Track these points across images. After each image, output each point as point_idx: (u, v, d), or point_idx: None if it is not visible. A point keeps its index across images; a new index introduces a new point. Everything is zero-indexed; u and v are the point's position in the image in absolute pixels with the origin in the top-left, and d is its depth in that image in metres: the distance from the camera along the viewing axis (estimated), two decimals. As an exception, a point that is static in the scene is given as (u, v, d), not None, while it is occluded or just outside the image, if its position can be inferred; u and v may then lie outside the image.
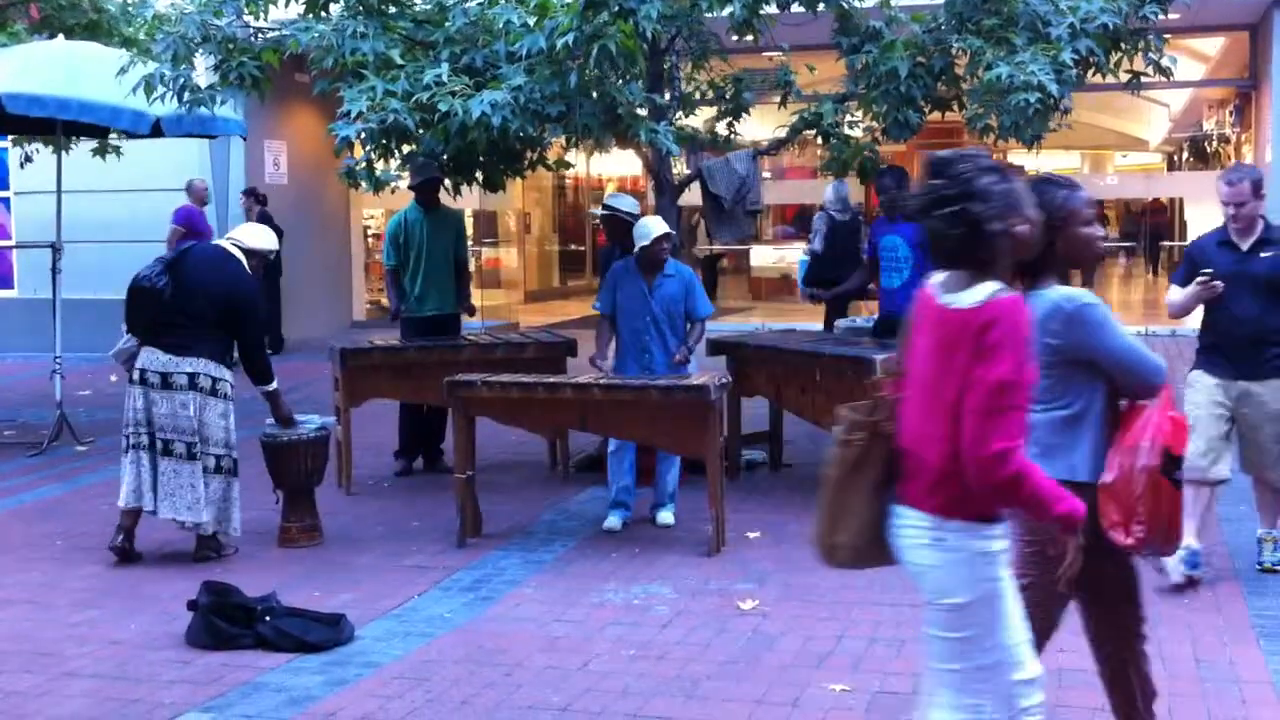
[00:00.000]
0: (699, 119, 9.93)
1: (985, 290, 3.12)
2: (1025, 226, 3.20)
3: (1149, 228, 25.68)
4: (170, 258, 6.75)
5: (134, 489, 6.68)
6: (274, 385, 7.00)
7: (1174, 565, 5.82)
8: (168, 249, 13.57)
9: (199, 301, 6.67)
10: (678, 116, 8.90)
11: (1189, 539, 5.82)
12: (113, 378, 9.99)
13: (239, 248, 6.90)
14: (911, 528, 3.26)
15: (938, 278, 3.29)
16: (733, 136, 9.40)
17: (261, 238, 7.04)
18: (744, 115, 9.21)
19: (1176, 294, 6.14)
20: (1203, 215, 19.68)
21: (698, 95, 9.32)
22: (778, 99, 9.14)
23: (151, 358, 6.68)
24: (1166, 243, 24.07)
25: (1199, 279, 5.90)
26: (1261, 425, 6.00)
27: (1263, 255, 5.89)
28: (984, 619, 3.21)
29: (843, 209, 11.68)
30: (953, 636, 3.25)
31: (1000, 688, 3.26)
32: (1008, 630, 3.24)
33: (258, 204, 14.76)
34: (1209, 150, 21.12)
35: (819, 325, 12.54)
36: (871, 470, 3.36)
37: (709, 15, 8.05)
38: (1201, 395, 6.10)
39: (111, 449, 8.62)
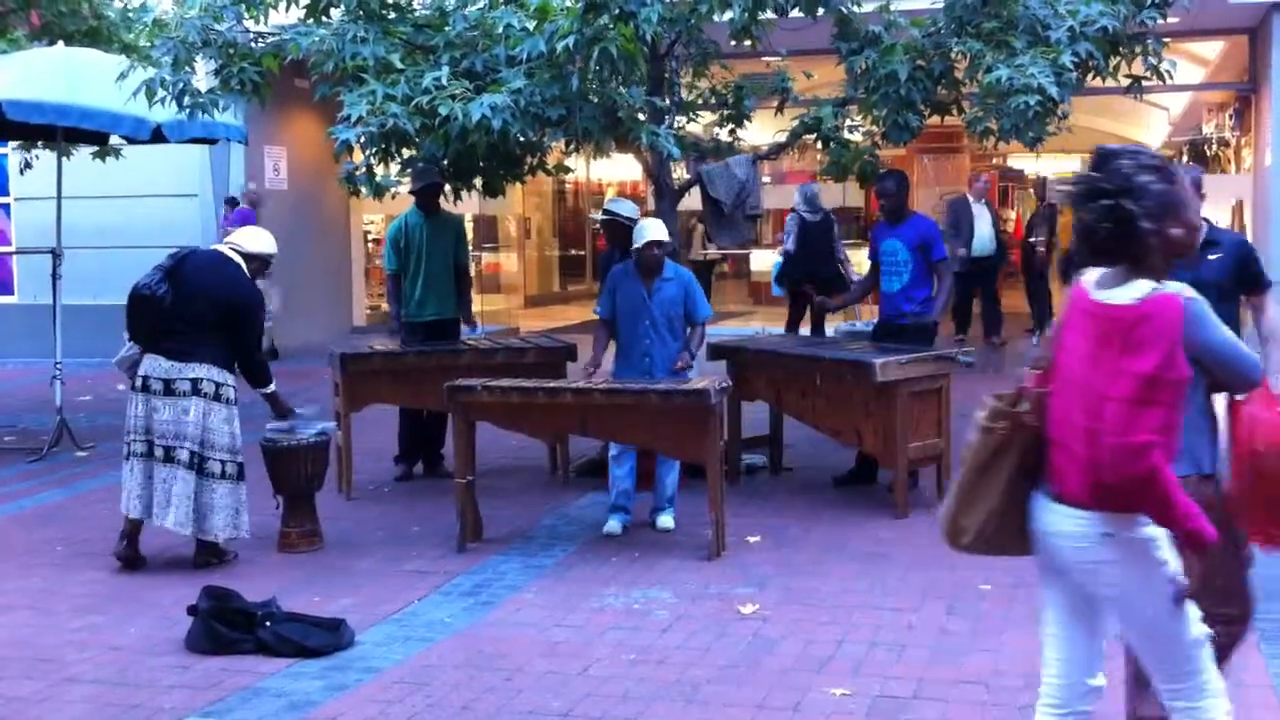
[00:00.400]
0: (699, 124, 9.94)
1: (1142, 288, 3.15)
2: (1180, 230, 3.23)
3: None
4: (169, 264, 6.75)
5: (135, 497, 6.67)
6: (272, 387, 7.01)
7: None
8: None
9: (199, 306, 6.67)
10: (679, 122, 8.91)
11: None
12: (120, 386, 9.97)
13: (238, 252, 6.90)
14: (1074, 524, 3.25)
15: (1091, 274, 3.30)
16: (735, 143, 9.40)
17: (261, 241, 7.04)
18: (745, 123, 9.21)
19: None
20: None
21: (700, 101, 9.32)
22: (776, 104, 9.14)
23: (154, 364, 6.68)
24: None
25: None
26: None
27: (1210, 258, 5.40)
28: (1165, 607, 3.21)
29: (812, 210, 12.32)
30: (1151, 628, 3.28)
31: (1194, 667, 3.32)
32: (1190, 619, 3.27)
33: (234, 210, 14.76)
34: (1209, 154, 21.12)
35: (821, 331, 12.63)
36: (1010, 459, 3.36)
37: (709, 20, 8.04)
38: None
39: (112, 454, 8.62)
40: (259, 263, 6.97)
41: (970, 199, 15.04)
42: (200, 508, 6.63)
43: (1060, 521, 3.28)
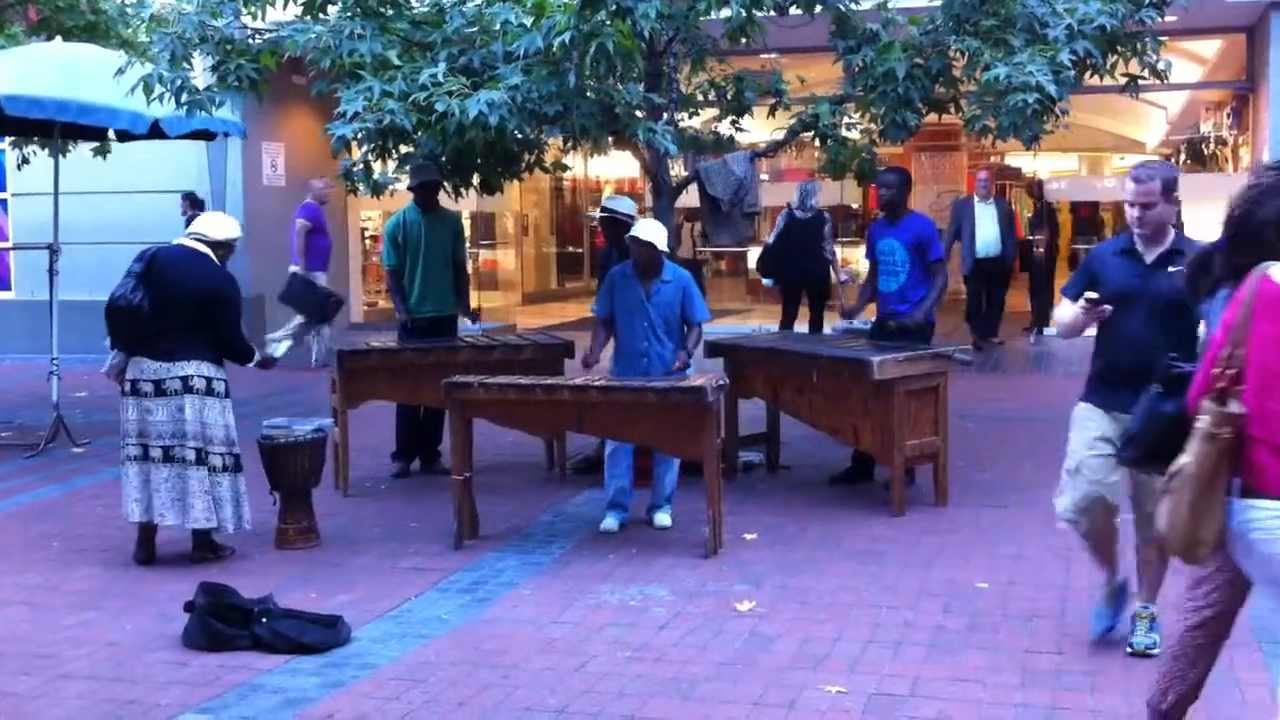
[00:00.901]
0: (699, 120, 9.93)
1: None
2: None
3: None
4: (140, 269, 6.69)
5: (134, 501, 6.66)
6: (258, 356, 7.07)
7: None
8: (299, 246, 13.78)
9: (177, 305, 6.64)
10: (680, 117, 8.90)
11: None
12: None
13: (204, 241, 6.86)
14: (1275, 518, 3.30)
15: (1275, 268, 3.34)
16: (735, 134, 9.38)
17: (226, 227, 6.98)
18: (747, 114, 9.20)
19: (1065, 310, 5.24)
20: (1199, 216, 19.77)
21: (699, 96, 9.32)
22: (770, 105, 9.14)
23: (141, 367, 6.67)
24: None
25: (1084, 299, 5.02)
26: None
27: (1170, 270, 4.94)
28: None
29: (804, 208, 12.76)
30: None
31: None
32: None
33: (194, 208, 14.76)
34: (1206, 153, 21.13)
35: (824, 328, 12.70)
36: (1230, 463, 3.39)
37: (706, 17, 8.04)
38: (1087, 433, 5.12)
39: (108, 450, 8.62)
40: (226, 249, 6.94)
41: (976, 198, 14.76)
42: (211, 502, 6.64)
43: (1262, 517, 3.32)
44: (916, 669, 5.10)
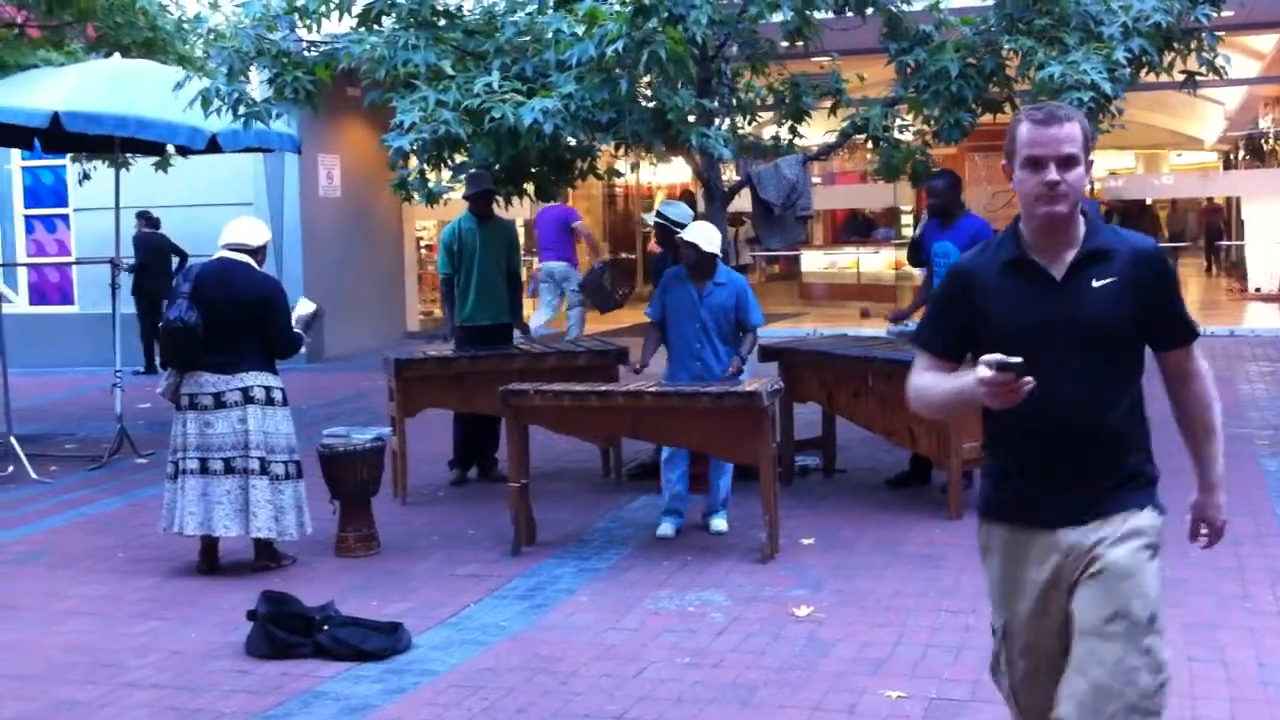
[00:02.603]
0: (755, 125, 9.91)
1: None
2: None
3: (1205, 227, 25.42)
4: (189, 289, 6.76)
5: (189, 514, 6.72)
6: (304, 339, 7.08)
7: None
8: (591, 247, 14.17)
9: (230, 319, 6.68)
10: (739, 123, 8.87)
11: None
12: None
13: (243, 250, 6.92)
14: None
15: None
16: (795, 140, 9.35)
17: (260, 232, 7.04)
18: (805, 119, 9.17)
19: (929, 381, 3.25)
20: (1260, 213, 19.53)
21: (758, 101, 9.30)
22: (829, 105, 9.12)
23: (199, 381, 6.72)
24: (1223, 242, 23.80)
25: (985, 365, 2.93)
26: (1101, 623, 3.13)
27: (1096, 285, 3.12)
28: None
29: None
30: None
31: None
32: None
33: (148, 226, 14.90)
34: (1265, 148, 20.87)
35: (872, 330, 12.57)
36: None
37: (759, 22, 8.03)
38: (1006, 571, 3.34)
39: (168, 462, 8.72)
40: (263, 253, 7.00)
41: None
42: (274, 511, 6.71)
43: None
44: (977, 673, 5.06)
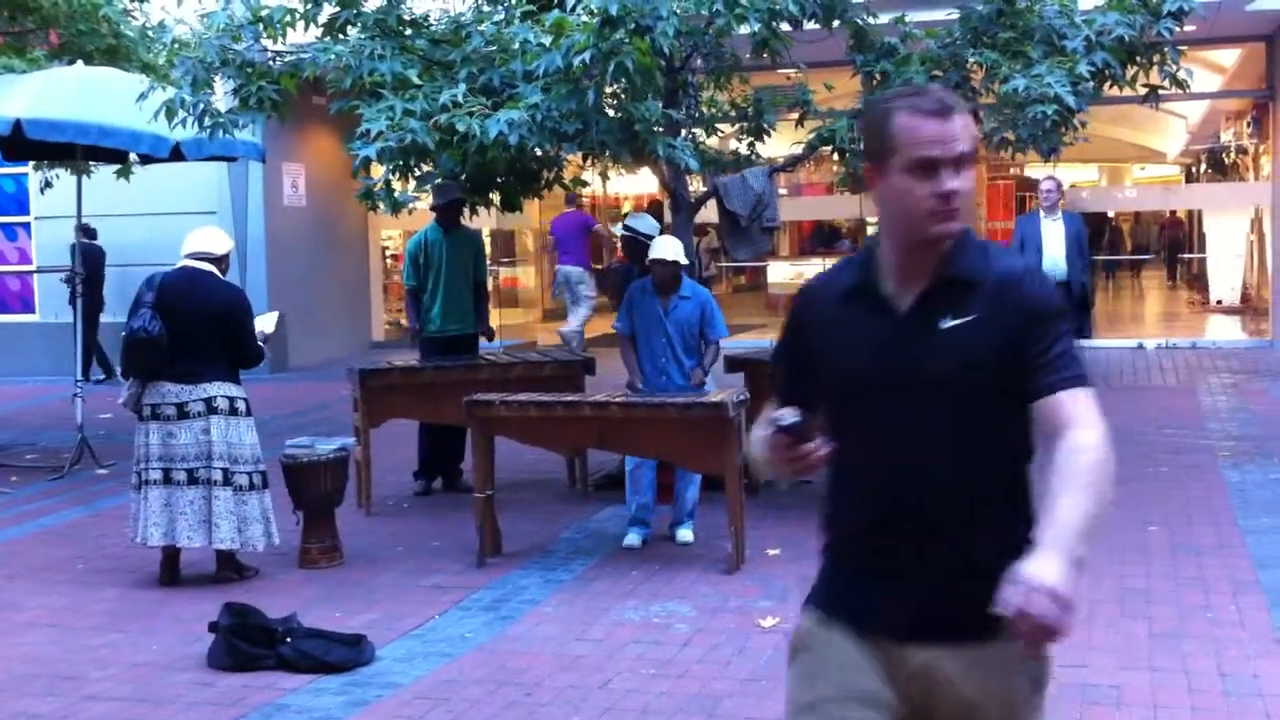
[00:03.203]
0: (717, 139, 9.93)
1: None
2: None
3: (1167, 240, 25.63)
4: (153, 299, 6.71)
5: (153, 525, 6.67)
6: (264, 351, 6.99)
7: None
8: (610, 250, 14.37)
9: (194, 329, 6.64)
10: (699, 136, 8.89)
11: None
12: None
13: (207, 259, 6.88)
14: None
15: None
16: (754, 157, 9.39)
17: (223, 241, 7.01)
18: (766, 137, 9.20)
19: (761, 422, 2.60)
20: (1221, 226, 19.71)
21: (719, 115, 9.31)
22: (795, 117, 9.15)
23: (162, 391, 6.67)
24: (1184, 255, 24.02)
25: (777, 423, 2.46)
26: None
27: (945, 325, 2.46)
28: None
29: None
30: None
31: None
32: None
33: (85, 236, 14.84)
34: (1227, 162, 21.06)
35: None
36: None
37: (727, 34, 8.05)
38: (822, 687, 2.55)
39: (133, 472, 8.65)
40: (226, 262, 6.96)
41: (1041, 213, 12.36)
42: (238, 522, 6.66)
43: None
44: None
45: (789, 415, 2.42)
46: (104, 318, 14.48)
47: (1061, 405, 2.38)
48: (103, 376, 14.66)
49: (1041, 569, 2.17)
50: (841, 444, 2.50)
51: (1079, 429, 2.35)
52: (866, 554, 2.52)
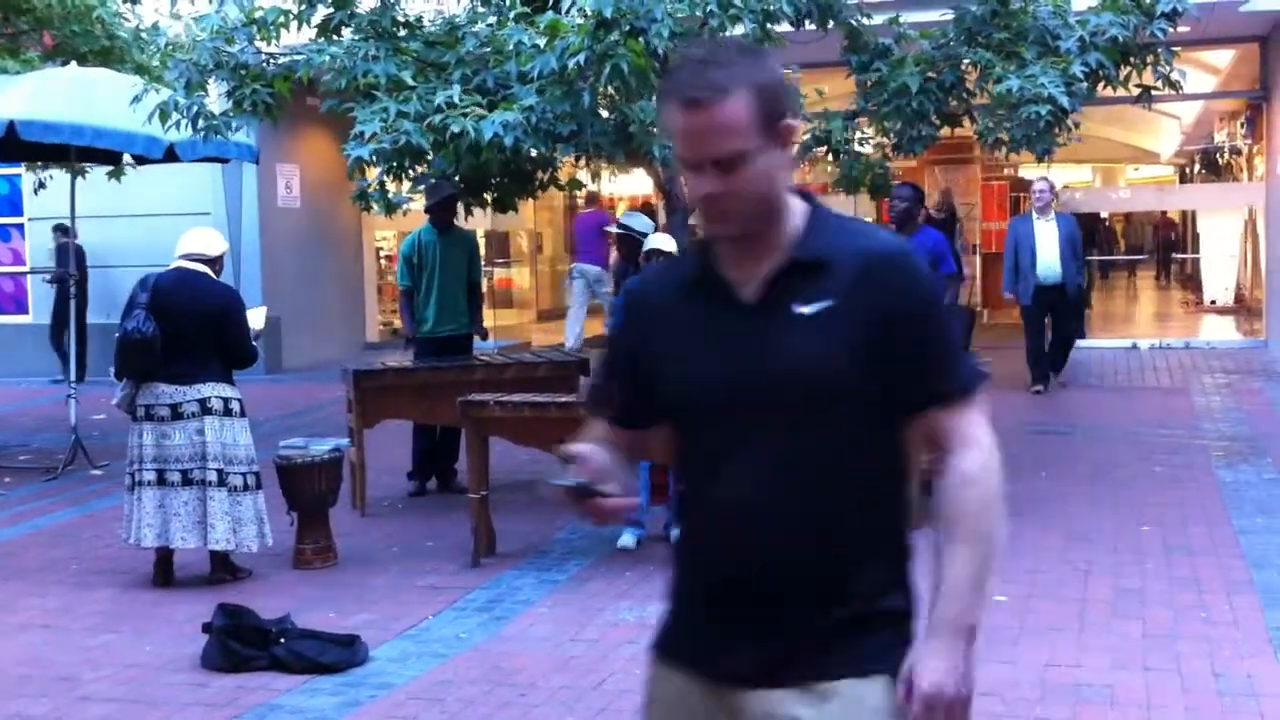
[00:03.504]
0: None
1: None
2: None
3: (1160, 240, 25.68)
4: (147, 299, 6.71)
5: (146, 526, 6.66)
6: (258, 351, 7.00)
7: None
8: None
9: (188, 330, 6.64)
10: None
11: None
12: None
13: (201, 260, 6.87)
14: None
15: None
16: None
17: (217, 242, 7.01)
18: None
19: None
20: (1215, 227, 19.75)
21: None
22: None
23: (155, 392, 6.67)
24: (1178, 255, 24.06)
25: (553, 480, 2.24)
26: None
27: (802, 311, 2.09)
28: None
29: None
30: None
31: None
32: None
33: (65, 237, 14.85)
34: (1221, 162, 21.10)
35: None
36: None
37: (721, 33, 8.05)
38: None
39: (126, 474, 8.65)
40: (220, 263, 6.96)
41: (1034, 214, 12.17)
42: (232, 523, 6.66)
43: None
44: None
45: (570, 475, 2.09)
46: (102, 318, 14.43)
47: (943, 422, 2.11)
48: (59, 378, 14.65)
49: (934, 666, 2.04)
50: (686, 470, 2.21)
51: (964, 452, 2.10)
52: (705, 589, 2.20)
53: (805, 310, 2.06)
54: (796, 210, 2.15)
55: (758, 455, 2.08)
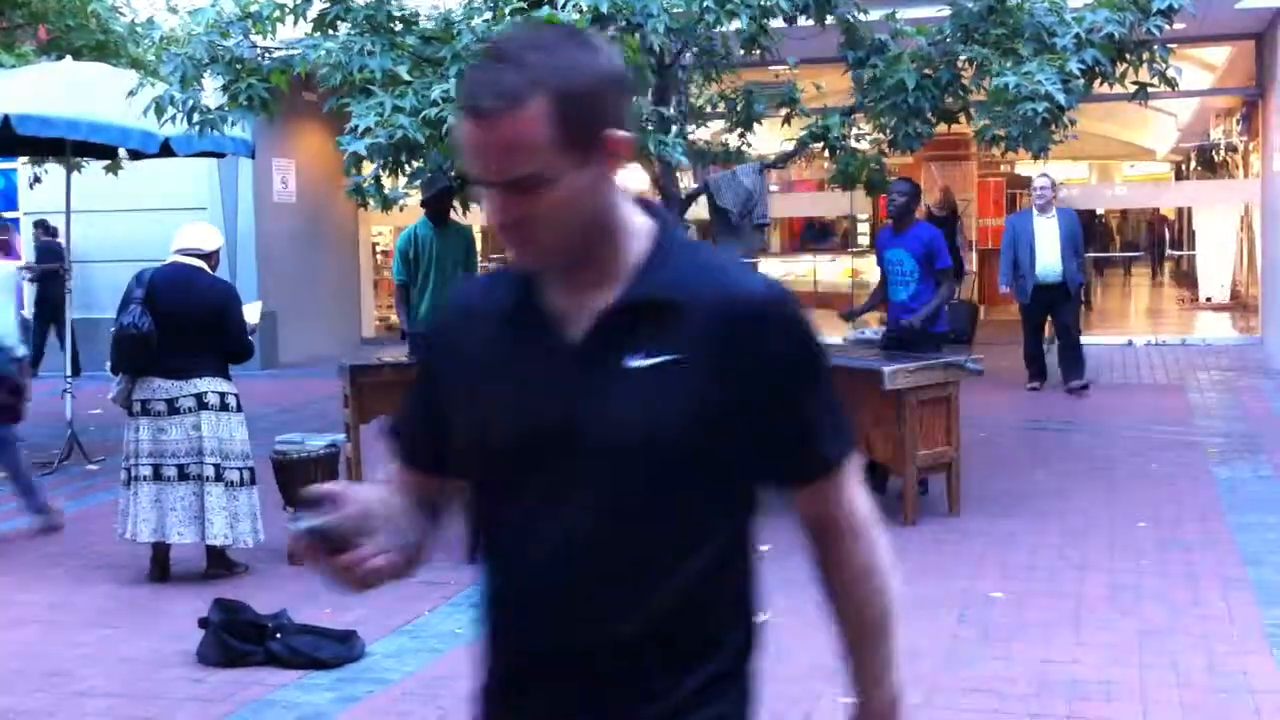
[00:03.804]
0: (708, 131, 9.94)
1: None
2: None
3: (1156, 237, 25.71)
4: (143, 294, 6.70)
5: (142, 521, 6.66)
6: (253, 346, 7.02)
7: None
8: None
9: (184, 325, 6.63)
10: (689, 130, 8.89)
11: None
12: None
13: (197, 255, 6.87)
14: None
15: None
16: (744, 149, 9.39)
17: (214, 237, 7.01)
18: (755, 126, 9.21)
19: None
20: (1211, 224, 19.76)
21: (708, 108, 9.31)
22: (783, 114, 9.16)
23: (152, 387, 6.66)
24: (1173, 252, 24.08)
25: (295, 522, 1.83)
26: None
27: (635, 365, 1.70)
28: None
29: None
30: None
31: None
32: None
33: (46, 235, 14.88)
34: (1217, 159, 21.12)
35: (827, 338, 12.58)
36: None
37: (717, 29, 8.05)
38: None
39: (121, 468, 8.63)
40: (216, 258, 6.96)
41: (1034, 211, 12.08)
42: (229, 518, 6.66)
43: None
44: (932, 679, 5.08)
45: (311, 515, 1.71)
46: (98, 313, 14.42)
47: (820, 496, 1.88)
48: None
49: None
50: (485, 526, 1.91)
51: (854, 536, 1.91)
52: (508, 674, 1.94)
53: (638, 364, 1.69)
54: (640, 232, 1.76)
55: (564, 524, 1.74)
